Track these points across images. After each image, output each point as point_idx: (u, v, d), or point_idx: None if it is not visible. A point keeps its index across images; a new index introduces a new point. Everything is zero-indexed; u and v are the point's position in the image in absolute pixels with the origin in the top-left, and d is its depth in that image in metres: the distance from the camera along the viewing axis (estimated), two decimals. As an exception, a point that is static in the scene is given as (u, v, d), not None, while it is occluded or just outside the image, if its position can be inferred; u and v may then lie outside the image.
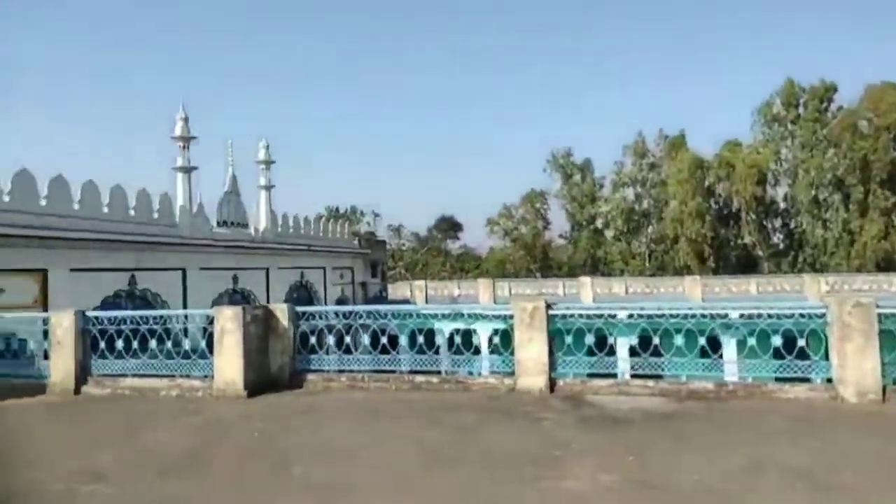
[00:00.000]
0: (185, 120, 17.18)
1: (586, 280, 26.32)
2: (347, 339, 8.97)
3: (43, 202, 12.76)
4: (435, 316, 9.26)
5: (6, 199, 11.88)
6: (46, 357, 9.10)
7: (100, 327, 9.07)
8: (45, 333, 9.15)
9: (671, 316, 7.90)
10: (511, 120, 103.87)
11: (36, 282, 11.91)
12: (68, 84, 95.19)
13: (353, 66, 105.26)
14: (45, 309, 11.73)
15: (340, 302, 25.82)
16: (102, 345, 8.99)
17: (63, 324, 9.00)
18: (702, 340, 7.83)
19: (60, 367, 8.94)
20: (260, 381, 8.57)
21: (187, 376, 8.77)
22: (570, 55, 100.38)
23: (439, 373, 8.73)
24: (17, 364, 9.36)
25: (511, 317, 8.32)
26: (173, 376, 8.77)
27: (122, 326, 8.91)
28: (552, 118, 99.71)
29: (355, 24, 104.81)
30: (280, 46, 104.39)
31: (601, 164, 71.23)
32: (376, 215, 75.21)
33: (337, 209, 71.65)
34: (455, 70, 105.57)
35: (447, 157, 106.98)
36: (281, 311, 9.07)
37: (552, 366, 8.06)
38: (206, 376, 8.63)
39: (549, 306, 8.23)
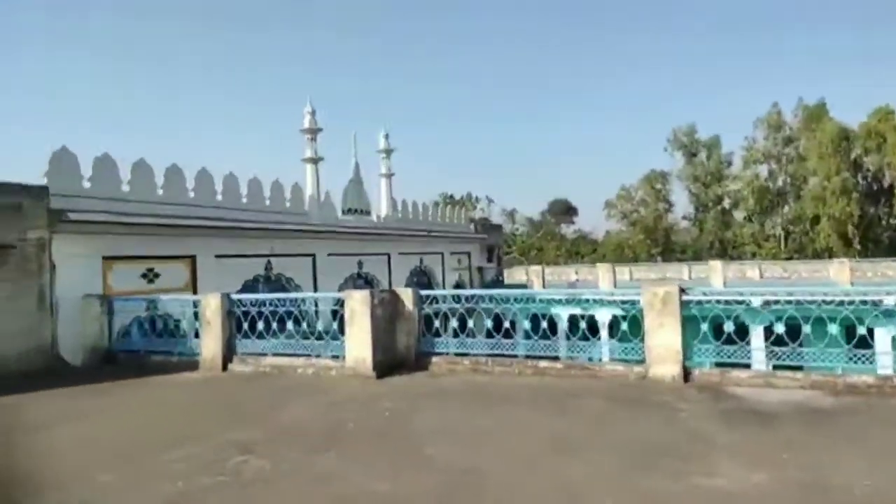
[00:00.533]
0: (312, 113, 18.01)
1: (716, 264, 24.65)
2: (470, 323, 9.03)
3: (191, 194, 13.85)
4: (553, 301, 9.00)
5: (160, 192, 13.00)
6: (197, 336, 9.88)
7: (243, 309, 9.74)
8: (196, 315, 9.94)
9: (823, 302, 7.14)
10: (628, 100, 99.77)
11: (186, 267, 12.98)
12: (193, 78, 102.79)
13: (466, 53, 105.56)
14: (195, 292, 12.79)
15: (458, 286, 25.94)
16: (245, 325, 9.65)
17: (211, 305, 9.75)
18: (861, 330, 7.03)
19: (210, 345, 9.69)
20: (387, 362, 8.82)
21: (318, 356, 9.20)
22: (687, 29, 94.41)
23: (557, 358, 8.54)
24: (174, 342, 10.25)
25: (636, 302, 7.95)
26: (308, 355, 9.22)
27: (262, 308, 9.51)
28: (671, 96, 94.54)
29: (470, 12, 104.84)
30: (394, 34, 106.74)
31: (727, 141, 66.80)
32: (490, 200, 75.22)
33: (451, 196, 72.45)
34: (569, 52, 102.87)
35: (560, 140, 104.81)
36: (406, 295, 9.26)
37: (686, 354, 7.61)
38: (337, 356, 9.00)
39: (682, 291, 7.76)
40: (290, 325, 9.37)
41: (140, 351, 10.45)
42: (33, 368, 9.77)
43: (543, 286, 26.22)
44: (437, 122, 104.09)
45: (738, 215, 62.46)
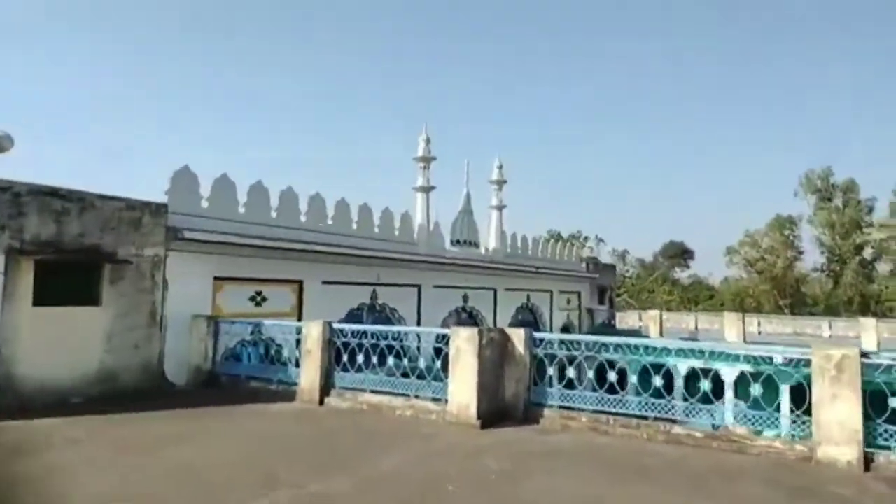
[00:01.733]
0: (427, 141, 17.75)
1: (868, 321, 21.51)
2: (589, 374, 7.92)
3: (303, 218, 13.79)
4: (671, 352, 7.71)
5: (273, 214, 13.00)
6: (297, 364, 9.47)
7: (343, 340, 9.23)
8: (298, 342, 9.56)
9: None
10: (754, 141, 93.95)
11: (293, 292, 12.84)
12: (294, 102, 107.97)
13: (581, 88, 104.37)
14: (300, 318, 12.57)
15: (566, 328, 24.70)
16: (345, 357, 9.14)
17: (313, 334, 9.32)
18: None
19: (309, 375, 9.24)
20: (493, 411, 7.91)
21: (418, 397, 8.46)
22: (826, 66, 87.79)
23: (674, 421, 7.22)
24: (274, 369, 9.90)
25: (802, 362, 6.54)
26: (407, 395, 8.52)
27: (363, 340, 8.96)
28: (801, 138, 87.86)
29: (593, 43, 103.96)
30: (505, 65, 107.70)
31: (866, 187, 60.60)
32: (600, 240, 72.64)
33: (559, 234, 70.81)
34: (690, 89, 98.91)
35: (676, 180, 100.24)
36: (517, 336, 8.33)
37: (868, 435, 6.07)
38: (438, 399, 8.22)
39: (864, 355, 6.25)
40: (390, 360, 8.76)
41: (241, 375, 10.20)
42: (139, 386, 9.74)
43: (661, 334, 24.23)
44: (546, 154, 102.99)
45: (883, 268, 56.04)
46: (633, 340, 8.08)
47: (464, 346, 7.98)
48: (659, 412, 7.37)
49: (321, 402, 9.05)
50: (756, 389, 6.97)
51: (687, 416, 7.19)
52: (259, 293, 12.36)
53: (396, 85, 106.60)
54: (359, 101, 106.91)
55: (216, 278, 11.45)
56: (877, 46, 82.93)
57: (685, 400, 7.37)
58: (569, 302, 24.89)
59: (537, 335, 8.43)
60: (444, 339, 8.31)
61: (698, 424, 7.05)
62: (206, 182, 11.88)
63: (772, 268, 60.91)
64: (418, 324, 16.60)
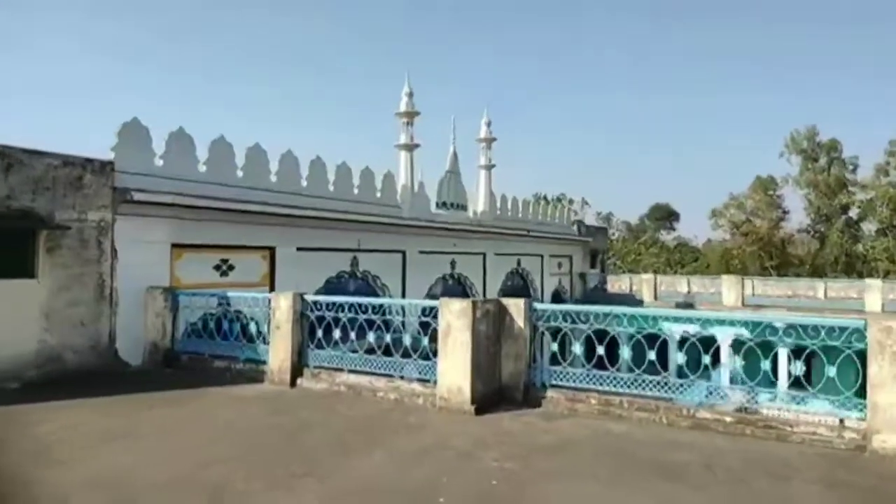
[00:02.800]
0: (410, 95, 16.35)
1: (874, 283, 20.63)
2: (599, 350, 6.87)
3: (273, 178, 12.52)
4: (711, 322, 6.67)
5: (240, 174, 11.70)
6: (266, 341, 8.37)
7: (317, 313, 8.12)
8: (267, 316, 8.44)
9: None
10: (737, 103, 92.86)
11: (264, 259, 11.71)
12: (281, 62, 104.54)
13: (568, 51, 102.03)
14: (272, 288, 11.48)
15: (557, 294, 23.87)
16: (319, 333, 8.07)
17: (282, 306, 8.21)
18: None
19: (278, 353, 8.18)
20: (489, 394, 6.90)
21: (403, 377, 7.42)
22: (815, 26, 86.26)
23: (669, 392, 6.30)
24: (241, 346, 8.81)
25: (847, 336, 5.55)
26: (391, 376, 7.47)
27: (340, 314, 7.87)
28: (785, 97, 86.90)
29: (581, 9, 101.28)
30: (501, 31, 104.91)
31: (850, 146, 59.91)
32: (586, 203, 71.77)
33: (545, 196, 69.65)
34: (675, 50, 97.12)
35: (660, 143, 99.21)
36: (516, 308, 7.25)
37: (934, 422, 5.12)
38: (426, 380, 7.18)
39: (933, 328, 5.25)
40: (371, 335, 7.68)
41: (204, 354, 9.09)
42: (88, 367, 8.62)
43: (656, 298, 23.43)
44: (531, 119, 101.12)
45: (868, 228, 55.81)
46: (651, 311, 7.03)
47: (455, 320, 6.89)
48: (679, 394, 6.43)
49: (293, 384, 8.01)
50: (798, 367, 5.97)
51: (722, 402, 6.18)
52: (225, 261, 11.16)
53: (377, 38, 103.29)
54: (336, 54, 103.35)
55: (174, 245, 10.19)
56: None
57: (733, 382, 6.34)
58: (560, 266, 23.95)
59: (539, 306, 7.36)
60: (432, 311, 7.21)
61: (760, 415, 6.04)
62: (161, 137, 10.50)
63: (757, 230, 60.51)
64: (403, 292, 15.66)
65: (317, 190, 13.53)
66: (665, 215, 78.30)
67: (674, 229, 78.03)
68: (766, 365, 6.09)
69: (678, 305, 21.81)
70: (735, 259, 61.05)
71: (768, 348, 6.14)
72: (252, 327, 8.70)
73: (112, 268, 9.10)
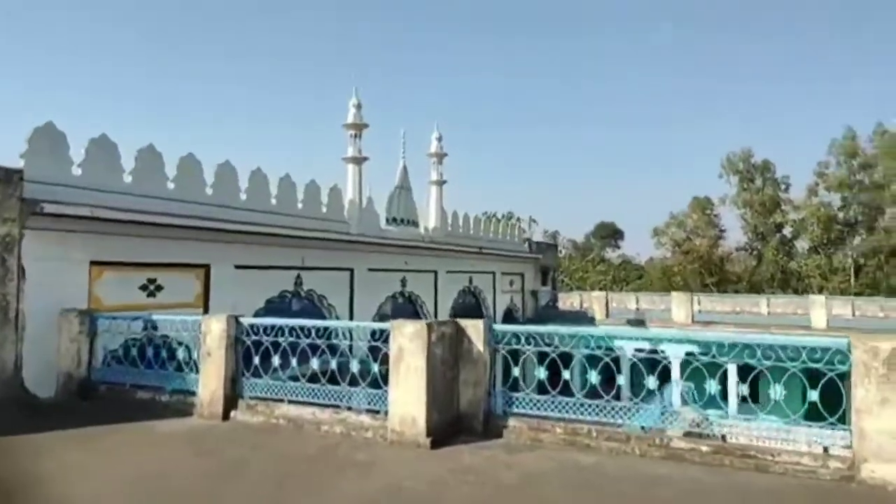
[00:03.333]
0: (358, 107, 15.70)
1: (818, 299, 21.05)
2: (565, 374, 6.33)
3: (209, 191, 11.67)
4: (671, 341, 6.26)
5: (171, 186, 10.76)
6: (196, 370, 7.50)
7: (254, 338, 7.32)
8: (198, 341, 7.58)
9: None
10: (676, 124, 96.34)
11: (198, 278, 10.79)
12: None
13: (515, 72, 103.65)
14: (206, 309, 10.60)
15: (510, 312, 23.54)
16: (256, 360, 7.27)
17: (213, 330, 7.36)
18: None
19: (210, 383, 7.32)
20: (445, 424, 6.27)
21: (350, 408, 6.71)
22: (752, 47, 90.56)
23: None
24: (169, 376, 7.89)
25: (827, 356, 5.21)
26: (337, 406, 6.75)
27: (280, 338, 7.08)
28: (722, 121, 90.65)
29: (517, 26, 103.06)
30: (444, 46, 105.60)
31: (783, 167, 62.69)
32: (533, 221, 72.37)
33: (494, 214, 69.83)
34: (622, 71, 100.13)
35: (602, 164, 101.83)
36: (474, 330, 6.65)
37: (922, 449, 4.78)
38: (377, 411, 6.48)
39: (918, 347, 4.93)
40: (314, 362, 6.93)
41: (126, 384, 8.11)
42: (-14, 402, 7.47)
43: (607, 316, 23.33)
44: (477, 134, 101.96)
45: (801, 245, 58.27)
46: (625, 331, 6.56)
47: (408, 343, 6.25)
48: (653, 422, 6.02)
49: (226, 417, 7.16)
50: (777, 391, 5.57)
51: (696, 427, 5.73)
52: (152, 281, 10.17)
53: (325, 49, 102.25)
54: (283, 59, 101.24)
55: (94, 263, 9.15)
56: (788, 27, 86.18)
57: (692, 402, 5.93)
58: (511, 284, 23.65)
59: (498, 328, 6.80)
60: (382, 335, 6.53)
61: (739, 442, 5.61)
62: (81, 145, 9.48)
63: (697, 248, 62.29)
64: (351, 313, 14.91)
65: (257, 204, 12.70)
66: (610, 233, 79.92)
67: (618, 247, 79.80)
68: (744, 389, 5.70)
69: (630, 323, 21.83)
70: (677, 276, 62.64)
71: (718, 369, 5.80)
72: (181, 354, 7.80)
73: (19, 288, 8.03)
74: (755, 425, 5.58)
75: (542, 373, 6.49)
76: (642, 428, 5.88)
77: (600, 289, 50.95)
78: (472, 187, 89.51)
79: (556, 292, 27.69)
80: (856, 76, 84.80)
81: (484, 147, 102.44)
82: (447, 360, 6.49)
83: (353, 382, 6.69)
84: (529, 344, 6.50)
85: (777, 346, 5.56)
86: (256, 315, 11.03)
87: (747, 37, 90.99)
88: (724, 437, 5.77)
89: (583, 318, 23.85)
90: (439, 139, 19.58)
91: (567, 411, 6.14)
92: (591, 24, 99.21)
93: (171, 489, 4.87)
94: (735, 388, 6.36)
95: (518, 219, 70.14)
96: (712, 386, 5.71)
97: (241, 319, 7.52)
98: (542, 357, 6.48)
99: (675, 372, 7.00)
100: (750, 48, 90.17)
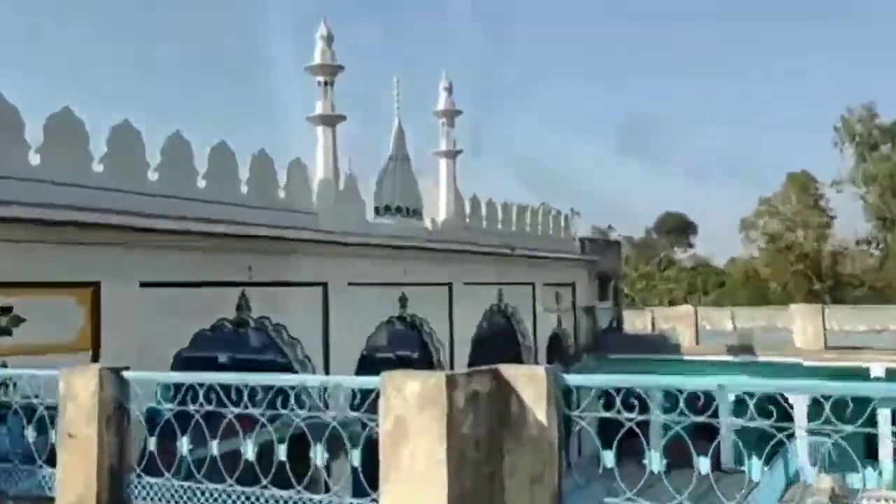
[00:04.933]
0: (328, 40, 14.35)
1: None
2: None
3: (99, 168, 10.71)
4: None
5: (35, 160, 10.07)
6: (53, 462, 6.26)
7: (151, 405, 6.08)
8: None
9: None
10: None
11: (81, 304, 9.83)
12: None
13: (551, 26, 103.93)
14: (96, 354, 9.74)
15: (556, 339, 22.81)
16: (152, 442, 5.97)
17: (79, 394, 6.08)
18: None
19: (74, 484, 6.11)
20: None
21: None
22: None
23: None
24: (13, 471, 6.72)
25: None
26: (288, 522, 5.45)
27: (199, 407, 5.78)
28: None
29: None
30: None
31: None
32: (576, 213, 71.60)
33: (526, 207, 69.51)
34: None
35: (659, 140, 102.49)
36: (531, 383, 5.14)
37: None
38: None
39: None
40: (249, 447, 5.50)
41: (-56, 484, 6.77)
42: None
43: (697, 342, 22.10)
44: (494, 107, 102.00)
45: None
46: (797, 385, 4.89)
47: (413, 413, 4.85)
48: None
49: (100, 547, 5.73)
50: None
51: None
52: (5, 310, 9.13)
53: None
54: None
55: None
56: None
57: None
58: (558, 299, 22.70)
59: (573, 379, 5.32)
60: (367, 398, 5.12)
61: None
62: None
63: (801, 243, 61.06)
64: (326, 349, 13.88)
65: (175, 187, 11.66)
66: (679, 227, 78.84)
67: (691, 245, 78.84)
68: None
69: (730, 351, 20.45)
70: (771, 281, 61.37)
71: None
72: (30, 434, 6.55)
73: None
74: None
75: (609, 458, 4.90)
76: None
77: (670, 302, 49.10)
78: (503, 174, 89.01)
79: (619, 308, 26.99)
80: None
81: (504, 121, 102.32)
82: (483, 440, 4.99)
83: (314, 483, 5.39)
84: (632, 408, 4.93)
85: None
86: (177, 360, 10.00)
87: None
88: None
89: (662, 344, 22.99)
90: (449, 90, 18.61)
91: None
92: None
93: None
94: (892, 444, 4.99)
95: (558, 212, 69.71)
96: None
97: (128, 375, 6.17)
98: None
99: (802, 420, 5.81)
100: None
